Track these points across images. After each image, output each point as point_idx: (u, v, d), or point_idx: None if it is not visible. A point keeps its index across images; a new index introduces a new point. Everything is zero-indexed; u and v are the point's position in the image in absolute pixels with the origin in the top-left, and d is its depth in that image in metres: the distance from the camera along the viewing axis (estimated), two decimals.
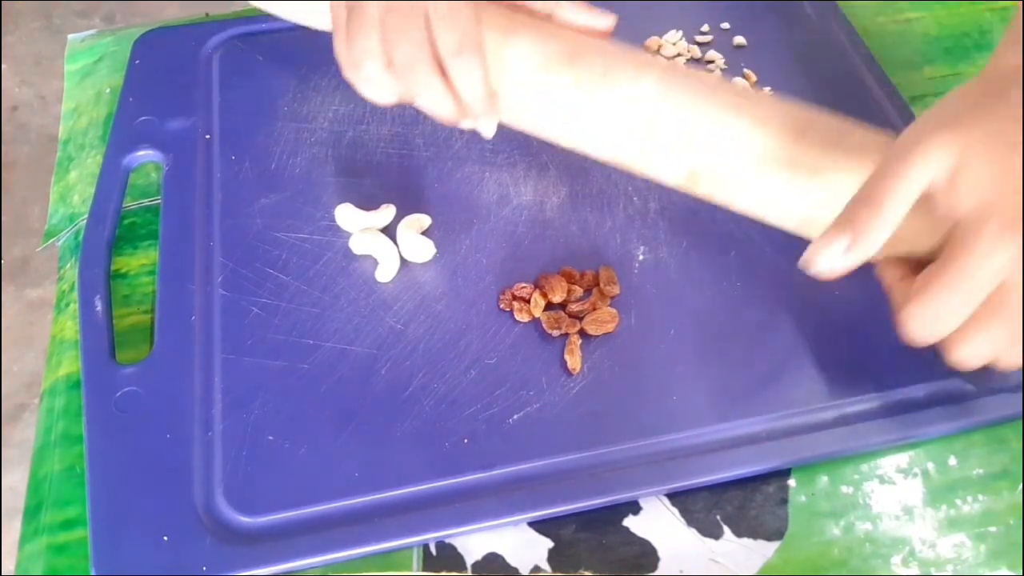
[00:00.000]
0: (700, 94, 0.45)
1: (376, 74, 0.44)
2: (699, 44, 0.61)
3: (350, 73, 0.45)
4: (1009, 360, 0.38)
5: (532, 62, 0.45)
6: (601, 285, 0.47)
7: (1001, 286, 0.35)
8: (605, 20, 0.47)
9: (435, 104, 0.45)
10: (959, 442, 0.44)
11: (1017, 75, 0.39)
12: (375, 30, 0.43)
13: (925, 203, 0.37)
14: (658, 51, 0.60)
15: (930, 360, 0.45)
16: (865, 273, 0.48)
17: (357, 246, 0.49)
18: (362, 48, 0.44)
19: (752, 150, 0.43)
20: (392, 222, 0.50)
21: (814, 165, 0.42)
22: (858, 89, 0.58)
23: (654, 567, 0.40)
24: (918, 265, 0.39)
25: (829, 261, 0.38)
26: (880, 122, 0.53)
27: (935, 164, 0.36)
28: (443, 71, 0.43)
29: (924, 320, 0.37)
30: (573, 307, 0.47)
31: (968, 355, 0.37)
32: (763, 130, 0.43)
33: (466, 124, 0.47)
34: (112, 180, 0.53)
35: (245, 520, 0.40)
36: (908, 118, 0.55)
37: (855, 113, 0.45)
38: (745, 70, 0.59)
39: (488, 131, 0.47)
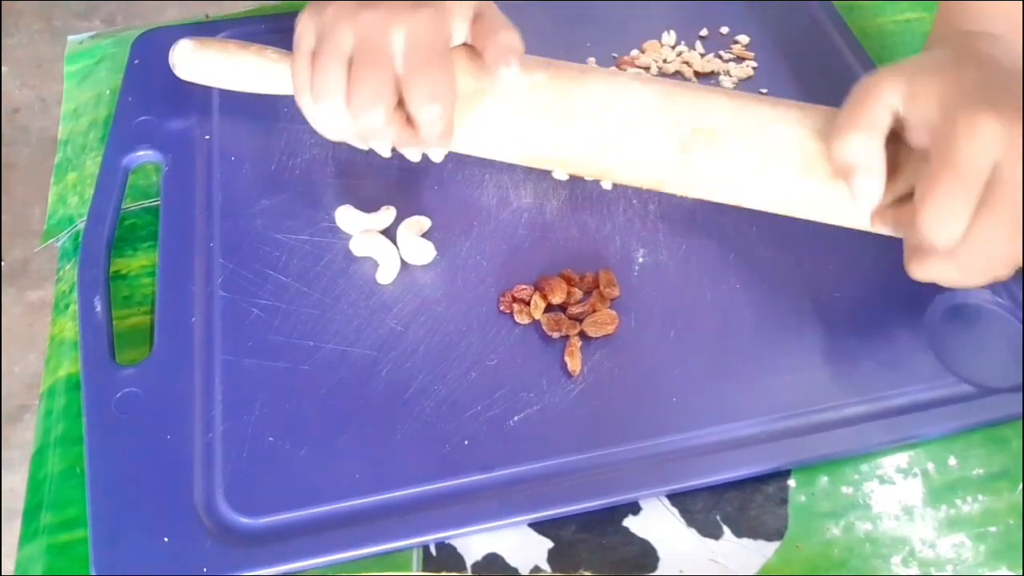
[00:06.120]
0: (677, 88, 0.47)
1: (337, 111, 0.43)
2: (700, 53, 0.60)
3: (308, 103, 0.45)
4: (1010, 259, 0.39)
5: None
6: (601, 287, 0.47)
7: (994, 174, 0.37)
8: None
9: (389, 139, 0.46)
10: (959, 442, 0.44)
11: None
12: (344, 64, 0.42)
13: (895, 144, 0.41)
14: (657, 54, 0.60)
15: (929, 361, 0.45)
16: (864, 275, 0.48)
17: (357, 248, 0.49)
18: (327, 81, 0.43)
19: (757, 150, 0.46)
20: (392, 224, 0.50)
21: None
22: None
23: (654, 567, 0.40)
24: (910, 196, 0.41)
25: (867, 203, 0.42)
26: None
27: (892, 93, 0.40)
28: (401, 105, 0.43)
29: (938, 219, 0.38)
30: (573, 309, 0.47)
31: (974, 255, 0.39)
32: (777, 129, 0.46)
33: (411, 155, 0.49)
34: (111, 179, 0.53)
35: (246, 521, 0.40)
36: None
37: None
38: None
39: (438, 157, 0.49)
